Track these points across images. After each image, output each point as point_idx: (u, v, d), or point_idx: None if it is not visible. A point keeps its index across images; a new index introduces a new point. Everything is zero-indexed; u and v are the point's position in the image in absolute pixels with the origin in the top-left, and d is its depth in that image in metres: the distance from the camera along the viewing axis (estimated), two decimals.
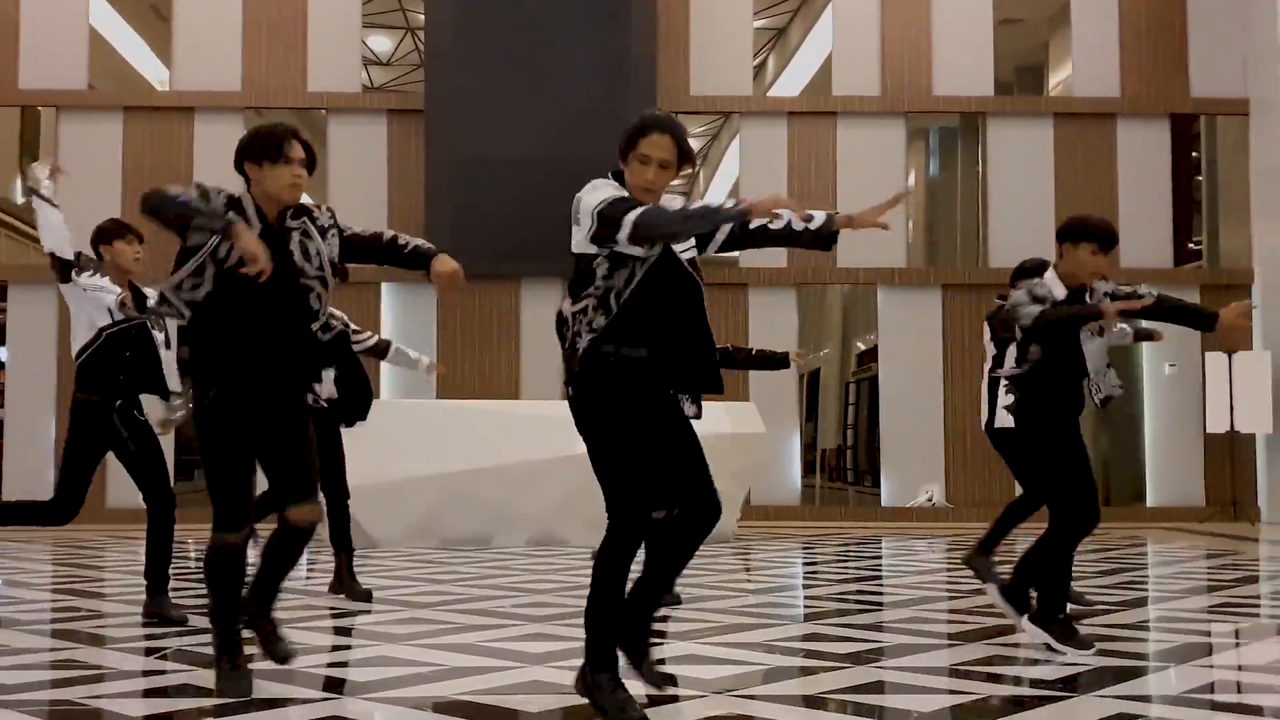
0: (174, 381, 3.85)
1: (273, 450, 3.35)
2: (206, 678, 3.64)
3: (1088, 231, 4.27)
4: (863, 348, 12.04)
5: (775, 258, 11.58)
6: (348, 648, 4.69)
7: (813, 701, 3.51)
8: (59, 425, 11.03)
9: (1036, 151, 11.99)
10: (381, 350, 6.12)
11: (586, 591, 3.17)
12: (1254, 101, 11.93)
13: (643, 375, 3.04)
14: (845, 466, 12.55)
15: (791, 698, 3.56)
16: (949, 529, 10.54)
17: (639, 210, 2.98)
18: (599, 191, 3.09)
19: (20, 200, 12.13)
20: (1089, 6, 12.11)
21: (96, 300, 4.56)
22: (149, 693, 3.74)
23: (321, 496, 3.61)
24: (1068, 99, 12.12)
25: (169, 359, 4.62)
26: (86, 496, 4.74)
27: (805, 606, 6.09)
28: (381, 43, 12.12)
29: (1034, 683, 3.85)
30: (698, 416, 3.20)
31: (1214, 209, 12.45)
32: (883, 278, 11.53)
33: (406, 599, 5.75)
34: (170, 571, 4.90)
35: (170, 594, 4.92)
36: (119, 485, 11.08)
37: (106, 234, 4.71)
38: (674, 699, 3.47)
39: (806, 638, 4.80)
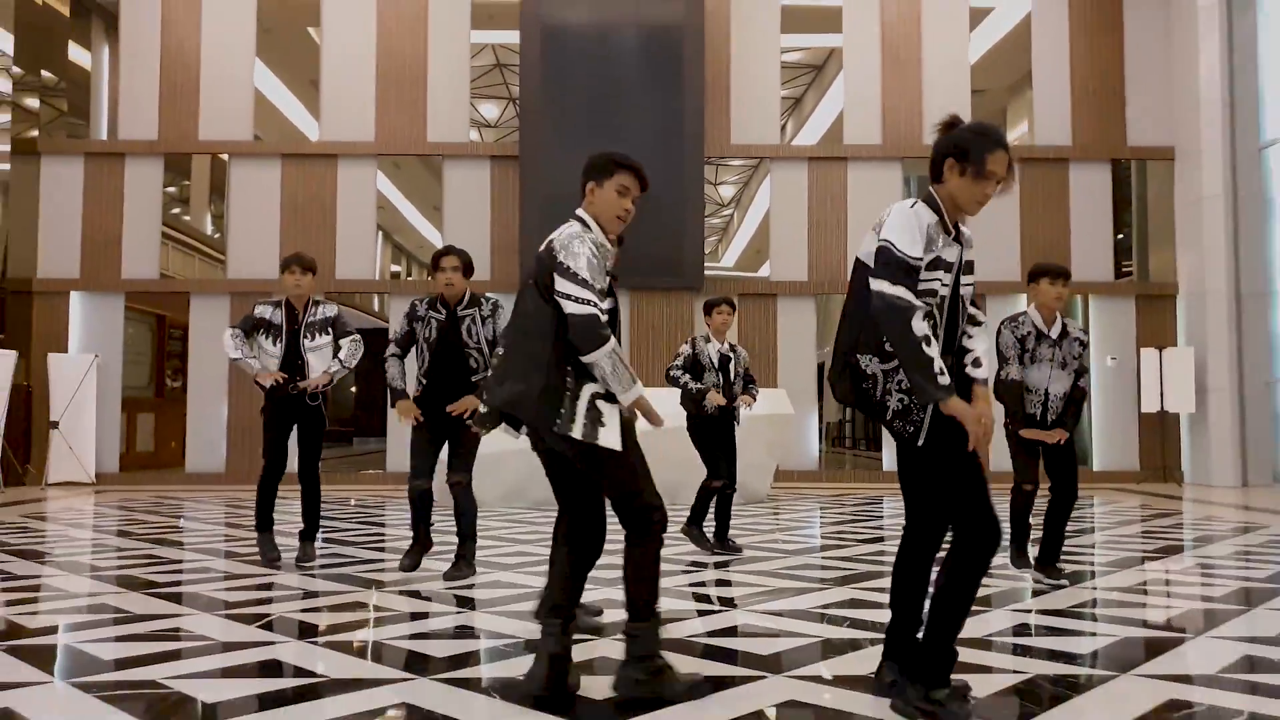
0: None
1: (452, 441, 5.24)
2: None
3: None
4: None
5: (799, 272, 13.75)
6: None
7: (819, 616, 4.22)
8: (229, 409, 13.31)
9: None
10: None
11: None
12: (1177, 149, 13.96)
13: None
14: (845, 436, 14.89)
15: (804, 611, 4.32)
16: None
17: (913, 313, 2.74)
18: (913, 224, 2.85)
19: (210, 230, 14.27)
20: (1049, 75, 14.04)
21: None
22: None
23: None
24: (1030, 147, 13.97)
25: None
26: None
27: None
28: (489, 110, 14.10)
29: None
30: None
31: (1144, 235, 14.32)
32: None
33: (514, 536, 7.03)
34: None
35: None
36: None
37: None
38: (731, 607, 4.35)
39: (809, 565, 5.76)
